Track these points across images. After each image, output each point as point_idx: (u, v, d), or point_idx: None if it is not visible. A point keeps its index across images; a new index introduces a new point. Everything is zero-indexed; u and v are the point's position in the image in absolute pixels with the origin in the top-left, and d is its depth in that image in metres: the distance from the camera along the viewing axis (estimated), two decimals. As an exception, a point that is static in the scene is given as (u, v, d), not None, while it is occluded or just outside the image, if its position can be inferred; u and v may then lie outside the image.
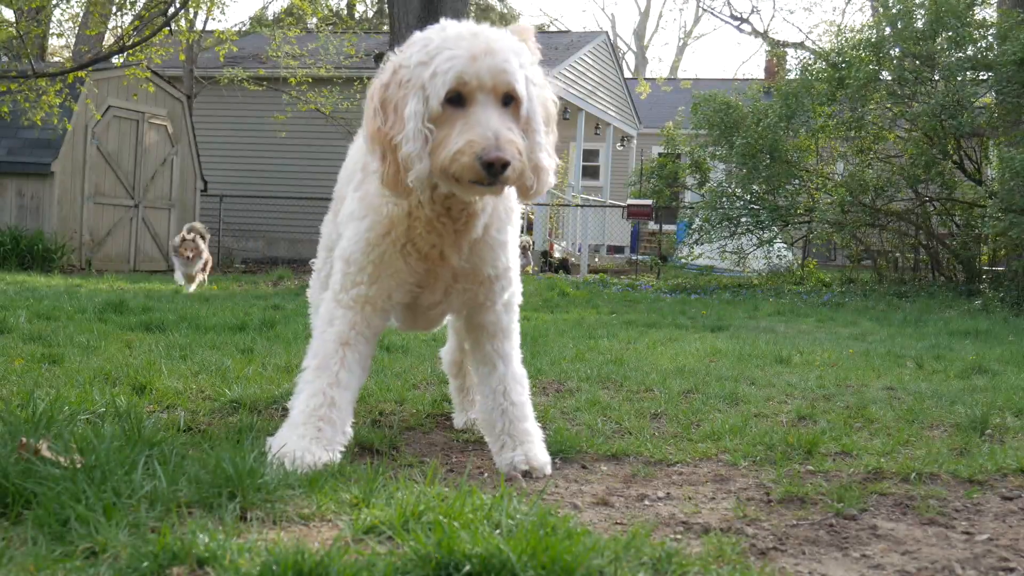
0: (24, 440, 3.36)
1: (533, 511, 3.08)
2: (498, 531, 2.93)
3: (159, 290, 13.75)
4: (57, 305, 10.17)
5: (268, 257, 25.13)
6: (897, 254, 19.81)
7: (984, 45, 17.26)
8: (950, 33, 16.95)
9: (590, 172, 35.98)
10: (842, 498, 3.76)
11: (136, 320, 9.25)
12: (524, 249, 22.24)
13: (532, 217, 25.08)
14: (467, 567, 2.69)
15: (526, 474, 4.07)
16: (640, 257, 27.54)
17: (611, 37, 34.15)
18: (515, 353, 4.29)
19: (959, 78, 17.03)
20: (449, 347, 5.24)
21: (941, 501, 3.83)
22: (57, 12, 25.05)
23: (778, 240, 19.70)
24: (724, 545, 3.13)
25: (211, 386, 5.66)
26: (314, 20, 31.19)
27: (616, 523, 3.46)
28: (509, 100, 3.61)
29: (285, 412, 5.12)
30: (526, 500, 3.28)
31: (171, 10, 18.98)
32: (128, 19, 22.18)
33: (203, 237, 14.77)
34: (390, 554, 2.83)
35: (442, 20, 3.77)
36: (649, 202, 22.87)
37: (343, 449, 3.94)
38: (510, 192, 3.89)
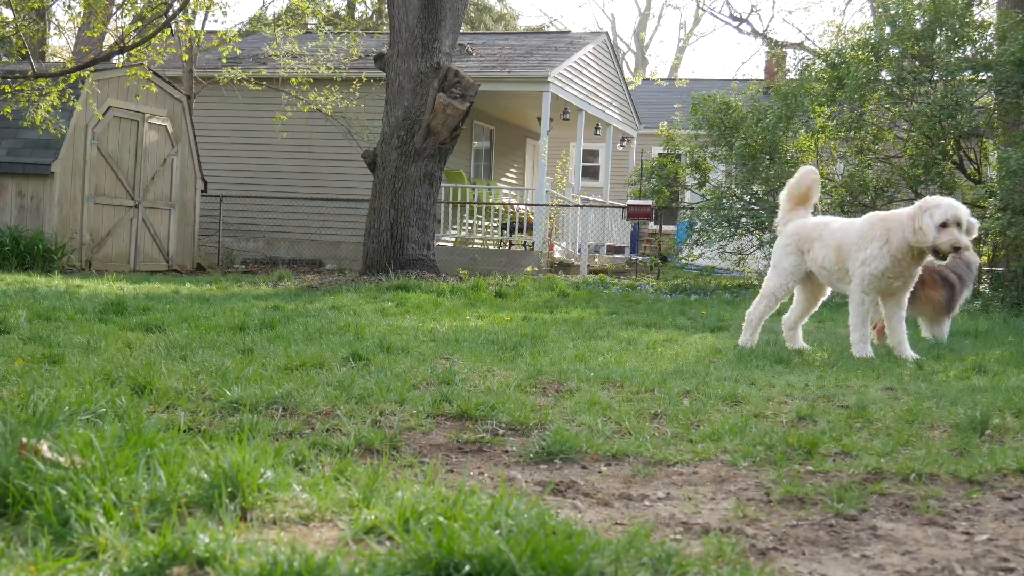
0: (25, 440, 3.36)
1: (533, 511, 3.08)
2: (498, 531, 2.93)
3: (159, 290, 13.76)
4: (57, 305, 10.17)
5: (268, 257, 25.11)
6: (897, 254, 19.75)
7: (983, 45, 17.26)
8: (948, 33, 16.94)
9: (590, 172, 35.97)
10: (842, 498, 3.76)
11: (136, 320, 9.25)
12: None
13: (532, 218, 25.08)
14: (467, 567, 2.69)
15: None
16: (640, 257, 27.50)
17: (611, 37, 34.14)
18: None
19: (958, 78, 17.02)
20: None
21: (941, 501, 3.83)
22: (59, 13, 25.06)
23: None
24: (724, 545, 3.13)
25: (211, 386, 5.66)
26: (314, 20, 31.17)
27: (616, 523, 3.46)
28: None
29: (285, 412, 5.13)
30: (526, 500, 3.28)
31: (171, 11, 18.99)
32: (129, 20, 22.18)
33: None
34: (390, 554, 2.83)
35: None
36: (649, 202, 22.82)
37: None
38: None
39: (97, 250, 19.97)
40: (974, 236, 8.27)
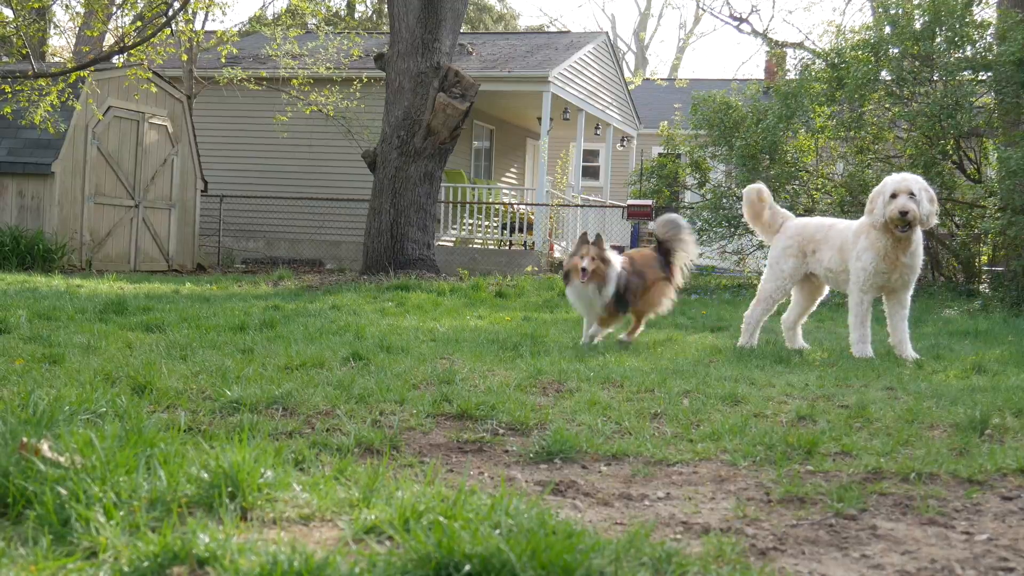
0: (25, 440, 3.37)
1: (533, 511, 3.09)
2: (498, 531, 2.93)
3: (159, 290, 13.76)
4: (58, 305, 10.17)
5: (268, 257, 25.11)
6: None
7: (983, 45, 17.26)
8: (948, 33, 16.95)
9: (590, 172, 35.97)
10: (842, 498, 3.76)
11: (136, 320, 9.26)
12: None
13: (532, 218, 25.08)
14: (467, 567, 2.69)
15: None
16: (640, 257, 27.46)
17: (611, 37, 34.13)
18: None
19: (958, 78, 17.03)
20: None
21: (941, 501, 3.83)
22: (60, 12, 25.08)
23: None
24: (724, 545, 3.13)
25: (211, 386, 5.67)
26: (314, 20, 31.18)
27: (616, 523, 3.47)
28: None
29: (285, 412, 5.13)
30: (526, 500, 3.28)
31: (171, 11, 18.99)
32: (128, 20, 22.19)
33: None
34: (390, 554, 2.83)
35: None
36: (649, 202, 22.81)
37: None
38: None
39: (97, 250, 19.97)
40: (935, 209, 8.30)
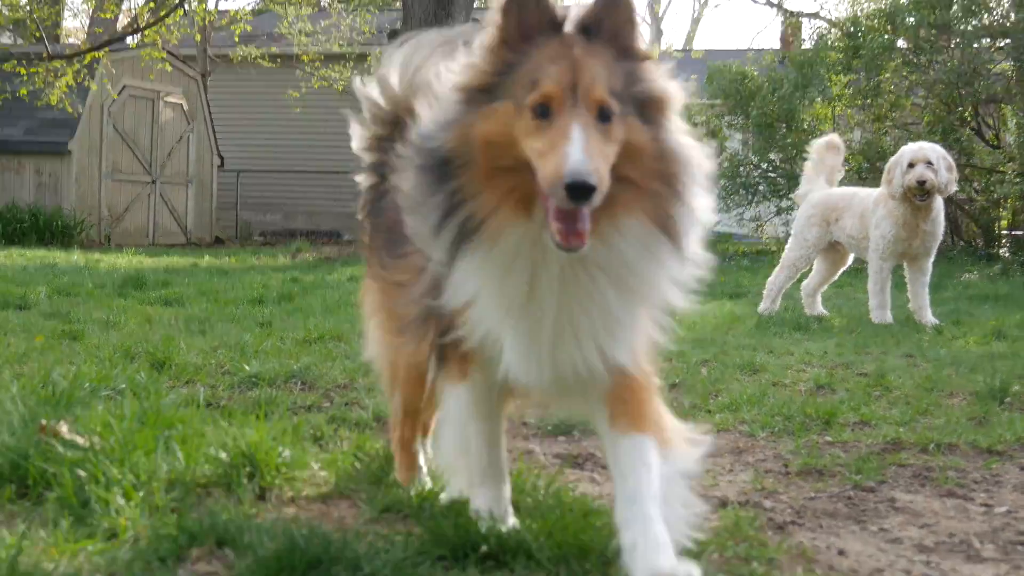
0: (44, 422, 3.38)
1: (550, 491, 3.08)
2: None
3: (178, 264, 13.79)
4: (77, 281, 10.19)
5: (286, 229, 25.15)
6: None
7: (1000, 12, 17.11)
8: (965, 1, 16.80)
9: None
10: (860, 470, 3.75)
11: (155, 295, 9.28)
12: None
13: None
14: (483, 547, 2.69)
15: None
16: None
17: (626, 6, 33.94)
18: None
19: (975, 46, 16.90)
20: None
21: (960, 472, 3.81)
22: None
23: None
24: (741, 520, 3.11)
25: (230, 361, 5.67)
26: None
27: (634, 498, 3.45)
28: None
29: (304, 385, 5.14)
30: (544, 477, 3.28)
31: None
32: (142, 0, 22.18)
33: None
34: (407, 535, 2.83)
35: None
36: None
37: None
38: None
39: (116, 225, 20.05)
40: (953, 177, 8.32)
